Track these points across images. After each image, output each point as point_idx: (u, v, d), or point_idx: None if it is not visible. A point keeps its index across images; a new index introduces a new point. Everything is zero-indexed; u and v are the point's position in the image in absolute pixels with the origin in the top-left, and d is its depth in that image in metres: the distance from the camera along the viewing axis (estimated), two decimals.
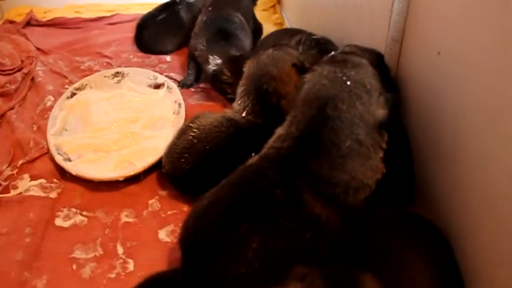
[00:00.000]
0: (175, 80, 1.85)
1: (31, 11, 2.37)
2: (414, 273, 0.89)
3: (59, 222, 1.27)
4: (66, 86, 1.79)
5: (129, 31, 2.17)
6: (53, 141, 1.47)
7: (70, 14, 2.43)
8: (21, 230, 1.23)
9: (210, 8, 1.86)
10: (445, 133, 1.00)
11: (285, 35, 1.73)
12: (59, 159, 1.41)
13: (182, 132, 1.34)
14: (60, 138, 1.50)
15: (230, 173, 1.05)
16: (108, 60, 2.00)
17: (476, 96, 0.88)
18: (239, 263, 0.92)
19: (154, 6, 2.15)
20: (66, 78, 1.86)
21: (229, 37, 1.72)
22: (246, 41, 1.80)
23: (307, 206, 0.94)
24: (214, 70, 1.62)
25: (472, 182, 0.91)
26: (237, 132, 1.28)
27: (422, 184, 1.14)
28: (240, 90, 1.34)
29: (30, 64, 1.91)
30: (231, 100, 1.45)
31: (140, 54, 2.05)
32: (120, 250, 1.19)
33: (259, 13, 2.36)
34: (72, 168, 1.38)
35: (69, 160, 1.42)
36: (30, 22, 2.30)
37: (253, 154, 1.06)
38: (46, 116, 1.61)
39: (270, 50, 1.33)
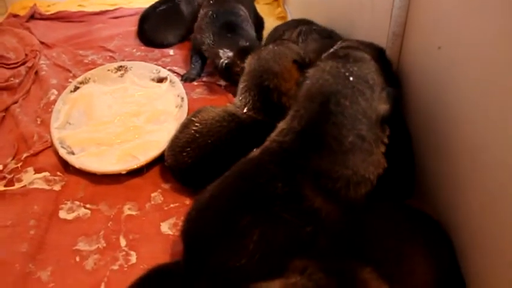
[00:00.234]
0: (178, 73, 1.85)
1: (34, 4, 2.38)
2: (414, 266, 0.90)
3: (62, 214, 1.28)
4: (69, 80, 1.80)
5: (132, 25, 2.17)
6: (56, 134, 1.48)
7: (73, 8, 2.44)
8: (25, 222, 1.25)
9: (211, 2, 1.86)
10: (446, 127, 1.01)
11: (290, 26, 1.73)
12: (62, 152, 1.42)
13: (184, 126, 1.35)
14: (64, 132, 1.51)
15: (231, 167, 1.06)
16: (111, 54, 2.01)
17: (477, 91, 0.88)
18: (240, 255, 0.93)
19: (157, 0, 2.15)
20: (70, 72, 1.87)
21: (235, 29, 1.72)
22: (252, 32, 1.80)
23: (307, 200, 0.95)
24: (226, 63, 1.62)
25: (472, 175, 0.91)
26: (238, 127, 1.29)
27: (423, 177, 1.15)
28: (241, 86, 1.34)
29: (34, 58, 1.92)
30: None
31: (143, 48, 2.06)
32: (123, 242, 1.20)
33: (262, 7, 2.37)
34: (75, 161, 1.39)
35: (73, 153, 1.43)
36: (34, 16, 2.31)
37: (254, 149, 1.07)
38: (50, 109, 1.62)
39: (271, 46, 1.33)
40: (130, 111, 1.60)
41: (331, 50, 1.09)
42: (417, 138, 1.16)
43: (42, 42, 2.05)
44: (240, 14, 1.81)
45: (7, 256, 1.16)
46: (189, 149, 1.29)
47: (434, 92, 1.05)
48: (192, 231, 1.02)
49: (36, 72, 1.86)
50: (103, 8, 2.42)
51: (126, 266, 1.14)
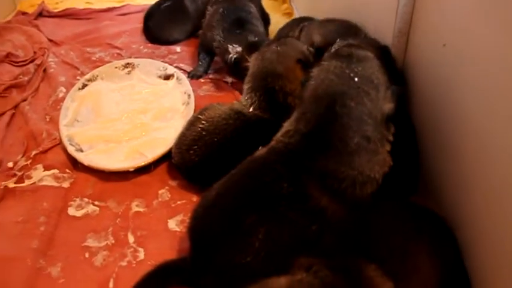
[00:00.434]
0: (184, 70, 1.86)
1: (43, 2, 2.40)
2: (418, 264, 0.90)
3: (71, 211, 1.30)
4: (77, 77, 1.82)
5: (139, 22, 2.18)
6: (65, 132, 1.50)
7: (81, 5, 2.46)
8: (35, 219, 1.27)
9: None
10: (451, 124, 1.01)
11: (293, 25, 1.74)
12: (71, 149, 1.44)
13: (191, 124, 1.36)
14: (72, 129, 1.53)
15: (238, 165, 1.07)
16: (118, 51, 2.02)
17: (482, 88, 0.88)
18: (246, 252, 0.94)
19: None
20: (78, 69, 1.89)
21: (244, 25, 1.73)
22: (261, 28, 1.80)
23: (313, 200, 0.95)
24: (235, 58, 1.62)
25: (478, 172, 0.91)
26: (244, 126, 1.29)
27: (428, 175, 1.15)
28: (246, 86, 1.35)
29: (43, 55, 1.94)
30: None
31: (150, 45, 2.06)
32: (131, 239, 1.22)
33: (268, 3, 2.36)
34: (84, 158, 1.41)
35: (81, 151, 1.45)
36: (42, 13, 2.33)
37: (260, 148, 1.08)
38: (58, 107, 1.64)
39: (274, 46, 1.33)
40: (137, 108, 1.61)
41: (334, 49, 1.09)
42: (422, 135, 1.17)
43: (50, 40, 2.07)
44: (250, 11, 1.81)
45: (19, 252, 1.18)
46: (195, 147, 1.30)
47: (440, 89, 1.05)
48: (199, 228, 1.03)
49: (45, 70, 1.87)
50: (110, 5, 2.43)
51: (134, 262, 1.16)
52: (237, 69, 1.64)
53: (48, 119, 1.63)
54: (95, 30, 2.18)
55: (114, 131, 1.52)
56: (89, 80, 1.72)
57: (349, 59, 1.00)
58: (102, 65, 1.81)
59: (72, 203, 1.32)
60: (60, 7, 2.42)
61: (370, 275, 0.84)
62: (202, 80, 1.82)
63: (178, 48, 2.05)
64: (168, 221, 1.26)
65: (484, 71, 0.87)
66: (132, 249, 1.19)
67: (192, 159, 1.30)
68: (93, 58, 1.97)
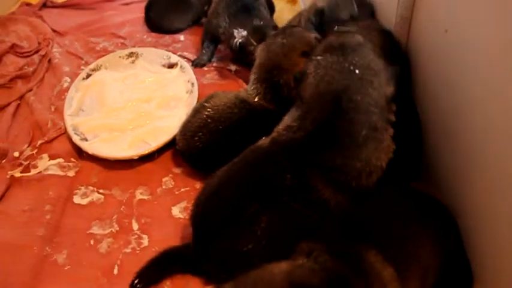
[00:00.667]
0: (188, 59, 1.86)
1: None
2: (419, 250, 0.90)
3: (77, 199, 1.32)
4: (82, 67, 1.82)
5: (142, 11, 2.16)
6: (69, 121, 1.51)
7: None
8: (41, 207, 1.29)
9: None
10: (453, 109, 1.00)
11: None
12: (76, 139, 1.45)
13: (196, 111, 1.36)
14: (77, 119, 1.54)
15: (240, 153, 1.07)
16: (122, 40, 2.02)
17: (484, 74, 0.87)
18: (247, 240, 0.95)
19: None
20: (82, 59, 1.89)
21: (250, 10, 1.72)
22: (267, 14, 1.78)
23: (316, 192, 0.96)
24: (240, 42, 1.61)
25: (480, 160, 0.91)
26: (249, 115, 1.30)
27: (431, 161, 1.15)
28: (252, 77, 1.34)
29: (47, 46, 1.94)
30: None
31: (154, 34, 2.06)
32: (135, 226, 1.23)
33: None
34: (88, 147, 1.42)
35: (86, 140, 1.46)
36: (46, 4, 2.32)
37: (263, 138, 1.08)
38: (63, 97, 1.65)
39: (280, 38, 1.30)
40: (141, 97, 1.62)
41: (325, 42, 1.04)
42: (425, 121, 1.16)
43: (54, 30, 2.07)
44: None
45: (25, 239, 1.21)
46: (200, 133, 1.30)
47: (442, 75, 1.04)
48: (201, 216, 1.04)
49: (49, 60, 1.88)
50: None
51: (138, 248, 1.18)
52: (242, 53, 1.63)
53: (53, 109, 1.64)
54: (99, 20, 2.18)
55: (118, 120, 1.53)
56: (93, 70, 1.73)
57: (344, 50, 0.97)
58: (106, 55, 1.81)
59: (77, 191, 1.34)
60: None
61: (370, 261, 0.84)
62: (205, 69, 1.82)
63: (182, 37, 2.04)
64: (172, 208, 1.27)
65: (485, 57, 0.86)
66: (136, 236, 1.21)
67: (196, 146, 1.30)
68: (97, 48, 1.97)
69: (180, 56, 1.83)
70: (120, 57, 1.79)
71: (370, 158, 0.95)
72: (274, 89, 1.29)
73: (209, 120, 1.31)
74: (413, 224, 0.93)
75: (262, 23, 1.65)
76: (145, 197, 1.32)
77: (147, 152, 1.40)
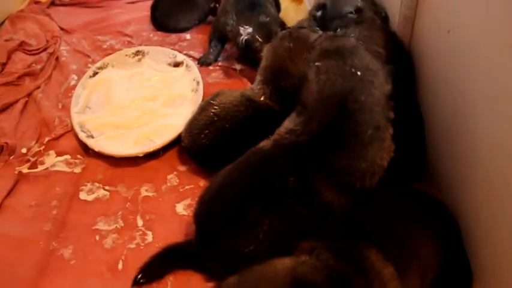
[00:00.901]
0: (194, 58, 1.86)
1: None
2: (419, 250, 0.91)
3: (83, 196, 1.34)
4: (89, 65, 1.84)
5: (148, 10, 2.17)
6: (76, 119, 1.53)
7: None
8: (48, 203, 1.31)
9: None
10: (455, 110, 1.00)
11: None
12: (82, 136, 1.47)
13: (203, 109, 1.37)
14: (83, 116, 1.56)
15: (243, 154, 1.08)
16: (129, 39, 2.03)
17: (484, 74, 0.87)
18: (249, 242, 0.96)
19: None
20: (89, 57, 1.91)
21: (256, 7, 1.72)
22: (273, 11, 1.79)
23: (319, 194, 0.96)
24: (246, 39, 1.61)
25: (482, 160, 0.91)
26: (255, 113, 1.30)
27: (433, 162, 1.15)
28: (258, 78, 1.33)
29: (55, 44, 1.96)
30: None
31: (160, 32, 2.07)
32: (139, 222, 1.25)
33: None
34: (94, 144, 1.44)
35: (92, 137, 1.48)
36: (54, 2, 2.34)
37: (266, 138, 1.08)
38: (70, 94, 1.67)
39: (286, 42, 1.29)
40: (147, 95, 1.63)
41: (319, 47, 1.05)
42: (428, 122, 1.16)
43: (62, 28, 2.09)
44: None
45: (33, 234, 1.23)
46: (207, 131, 1.31)
47: (445, 75, 1.04)
48: (204, 214, 1.05)
49: (57, 58, 1.89)
50: None
51: (142, 244, 1.19)
52: (248, 51, 1.64)
53: (60, 106, 1.66)
54: (106, 18, 2.19)
55: (124, 118, 1.55)
56: (100, 68, 1.74)
57: (341, 54, 0.98)
58: (112, 53, 1.83)
59: (83, 187, 1.36)
60: None
61: (371, 259, 0.85)
62: (211, 68, 1.83)
63: (188, 36, 2.05)
64: (176, 205, 1.29)
65: (488, 58, 0.87)
66: (140, 232, 1.22)
67: (202, 143, 1.31)
68: (104, 46, 1.99)
69: (186, 54, 1.84)
70: (126, 55, 1.80)
71: (375, 157, 0.96)
72: (280, 92, 1.29)
73: (215, 118, 1.31)
74: (414, 223, 0.94)
75: (268, 19, 1.65)
76: (150, 194, 1.33)
77: (152, 149, 1.42)
